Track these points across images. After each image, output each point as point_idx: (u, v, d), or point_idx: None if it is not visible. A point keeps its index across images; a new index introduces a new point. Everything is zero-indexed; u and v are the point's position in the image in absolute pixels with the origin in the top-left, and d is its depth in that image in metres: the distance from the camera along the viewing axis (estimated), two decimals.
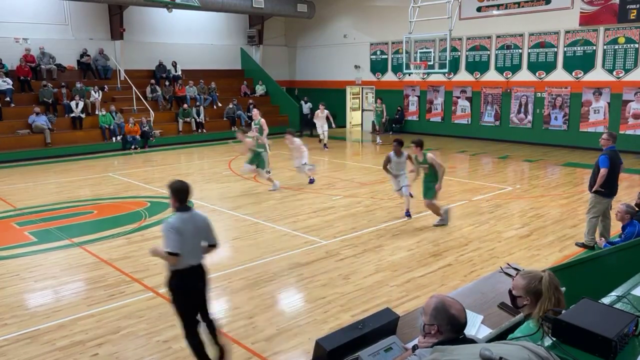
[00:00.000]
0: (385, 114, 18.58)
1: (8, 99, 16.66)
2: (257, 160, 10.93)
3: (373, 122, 19.71)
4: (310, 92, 24.03)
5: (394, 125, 20.78)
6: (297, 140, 11.59)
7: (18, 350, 4.66)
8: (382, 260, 6.80)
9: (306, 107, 20.92)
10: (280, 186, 11.03)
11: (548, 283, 2.50)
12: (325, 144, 17.13)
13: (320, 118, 17.24)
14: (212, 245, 4.26)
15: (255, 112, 12.85)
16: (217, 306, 5.64)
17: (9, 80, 16.82)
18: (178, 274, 4.06)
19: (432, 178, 8.12)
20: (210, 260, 7.07)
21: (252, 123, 12.67)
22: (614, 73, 15.34)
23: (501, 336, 2.65)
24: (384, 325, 2.59)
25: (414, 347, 2.37)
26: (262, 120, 12.26)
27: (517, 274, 2.69)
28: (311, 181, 11.59)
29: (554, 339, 2.11)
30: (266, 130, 12.21)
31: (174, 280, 4.09)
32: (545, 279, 2.52)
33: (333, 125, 17.67)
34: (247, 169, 11.06)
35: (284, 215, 9.06)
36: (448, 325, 2.21)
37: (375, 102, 19.35)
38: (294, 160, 11.71)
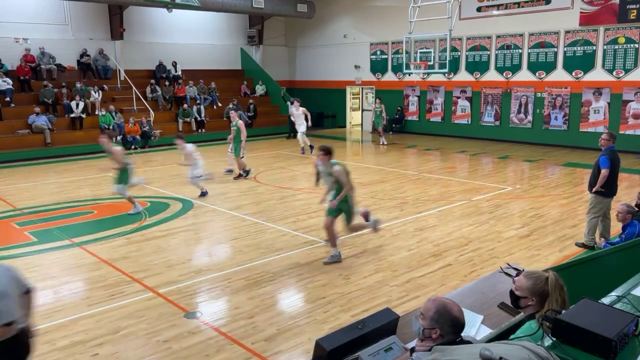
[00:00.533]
0: (384, 114, 18.20)
1: (8, 99, 16.66)
2: (123, 177, 9.05)
3: (373, 122, 18.70)
4: (310, 92, 24.03)
5: (394, 125, 20.78)
6: (189, 146, 10.19)
7: None
8: (382, 260, 6.80)
9: (292, 108, 20.34)
10: (141, 209, 9.23)
11: (554, 283, 2.51)
12: (303, 149, 15.53)
13: (297, 116, 15.54)
14: (29, 291, 3.27)
15: (233, 114, 12.22)
16: (217, 306, 5.66)
17: (9, 80, 16.83)
18: (6, 344, 2.98)
19: (339, 195, 6.68)
20: (210, 260, 7.12)
21: (230, 125, 12.20)
22: (614, 73, 15.34)
23: (501, 336, 2.64)
24: (384, 325, 2.59)
25: (412, 350, 2.36)
26: (240, 122, 11.84)
27: (518, 275, 2.68)
28: (203, 194, 10.32)
29: (554, 339, 2.11)
30: (244, 134, 11.74)
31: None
32: (552, 279, 2.52)
33: (309, 124, 15.70)
34: (117, 189, 9.10)
35: (284, 215, 9.06)
36: (450, 328, 2.21)
37: (375, 102, 19.05)
38: (188, 170, 10.36)
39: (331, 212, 6.74)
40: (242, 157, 12.04)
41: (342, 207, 6.74)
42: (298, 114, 15.54)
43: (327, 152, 6.73)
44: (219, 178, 11.98)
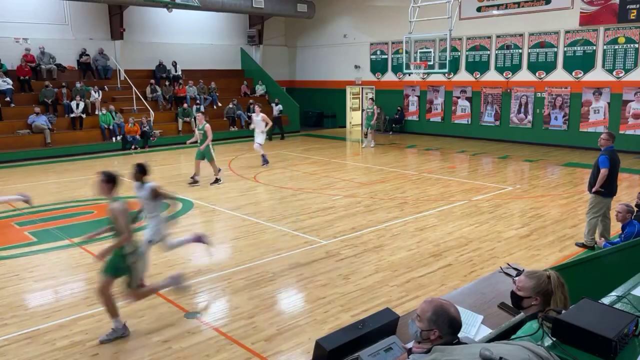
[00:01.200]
0: (375, 116, 17.20)
1: (8, 99, 16.66)
2: None
3: (371, 124, 17.58)
4: (310, 92, 24.05)
5: (394, 125, 20.79)
6: None
7: (18, 350, 4.66)
8: (382, 260, 6.80)
9: (276, 110, 19.90)
10: None
11: (557, 282, 2.51)
12: (264, 160, 13.80)
13: (256, 123, 13.71)
14: None
15: (199, 117, 11.75)
16: (217, 306, 5.66)
17: (9, 80, 16.83)
18: None
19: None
20: (210, 261, 7.11)
21: (196, 128, 11.81)
22: (614, 73, 15.34)
23: (501, 336, 2.64)
24: (384, 325, 2.59)
25: (409, 351, 2.36)
26: (207, 125, 11.46)
27: (518, 275, 2.68)
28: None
29: (554, 339, 2.11)
30: (210, 137, 11.35)
31: None
32: (554, 278, 2.53)
33: (264, 132, 13.70)
34: None
35: (283, 215, 9.05)
36: (449, 328, 2.20)
37: (368, 103, 18.07)
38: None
39: (106, 269, 4.78)
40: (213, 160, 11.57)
41: (118, 263, 4.75)
42: (257, 120, 13.67)
43: (108, 180, 4.75)
44: (222, 177, 11.95)
